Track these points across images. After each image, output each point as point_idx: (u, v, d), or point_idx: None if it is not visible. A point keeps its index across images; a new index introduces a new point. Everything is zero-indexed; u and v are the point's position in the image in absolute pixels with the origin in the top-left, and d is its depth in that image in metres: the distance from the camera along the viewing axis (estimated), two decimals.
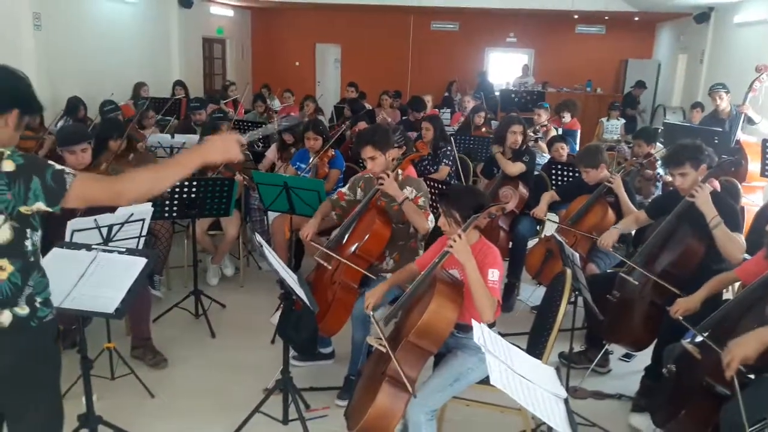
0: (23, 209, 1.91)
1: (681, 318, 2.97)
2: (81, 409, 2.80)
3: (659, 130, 7.51)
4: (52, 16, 8.28)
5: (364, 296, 3.23)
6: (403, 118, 8.51)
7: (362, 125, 6.35)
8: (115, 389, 3.51)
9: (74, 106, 7.05)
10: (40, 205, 1.93)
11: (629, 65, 13.43)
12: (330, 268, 3.52)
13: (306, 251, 5.00)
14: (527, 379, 2.03)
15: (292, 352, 3.51)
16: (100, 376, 3.45)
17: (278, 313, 4.30)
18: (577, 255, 3.20)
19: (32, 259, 2.00)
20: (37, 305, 2.03)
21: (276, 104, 9.89)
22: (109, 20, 9.78)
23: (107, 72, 9.41)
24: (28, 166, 1.90)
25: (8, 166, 1.86)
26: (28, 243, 1.97)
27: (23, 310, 1.98)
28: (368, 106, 9.22)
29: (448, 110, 10.00)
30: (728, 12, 9.06)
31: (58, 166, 1.96)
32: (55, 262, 2.60)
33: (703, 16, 9.91)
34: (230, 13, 13.95)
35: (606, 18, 13.03)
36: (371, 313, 2.97)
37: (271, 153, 5.83)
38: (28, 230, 1.97)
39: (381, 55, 14.62)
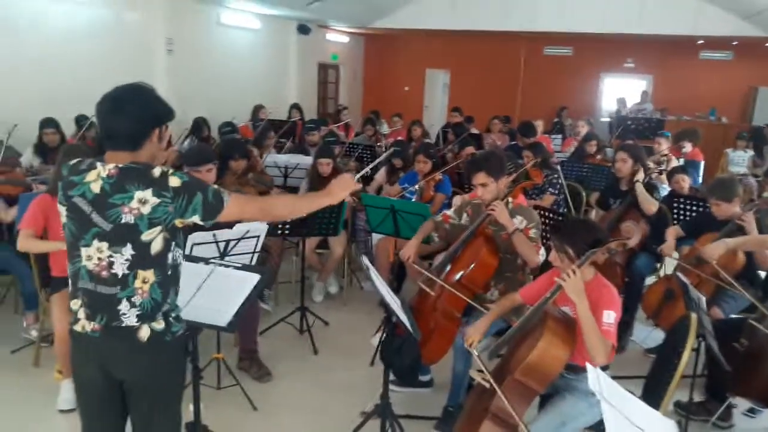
0: (178, 221, 2.04)
1: None
2: (188, 417, 2.91)
3: None
4: (182, 41, 8.95)
5: (467, 326, 3.17)
6: (512, 143, 8.37)
7: (470, 150, 6.32)
8: (220, 399, 3.63)
9: (199, 126, 7.52)
10: (195, 219, 2.06)
11: (759, 93, 12.49)
12: (433, 294, 3.48)
13: (408, 275, 5.00)
14: None
15: (390, 377, 3.49)
16: (207, 385, 3.58)
17: (378, 335, 4.34)
18: (704, 299, 2.96)
19: (170, 272, 2.11)
20: (171, 320, 2.14)
21: (384, 128, 10.06)
22: (233, 45, 10.40)
23: (229, 94, 9.99)
24: (193, 182, 2.05)
25: (175, 182, 2.00)
26: (170, 256, 2.09)
27: (159, 324, 2.10)
28: (475, 131, 9.16)
29: (559, 136, 9.74)
30: None
31: (215, 186, 2.10)
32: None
33: None
34: (345, 39, 14.42)
35: (734, 43, 12.23)
36: (476, 352, 2.89)
37: (380, 176, 5.92)
38: (173, 243, 2.09)
39: (490, 80, 14.52)
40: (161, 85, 8.49)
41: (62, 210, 2.09)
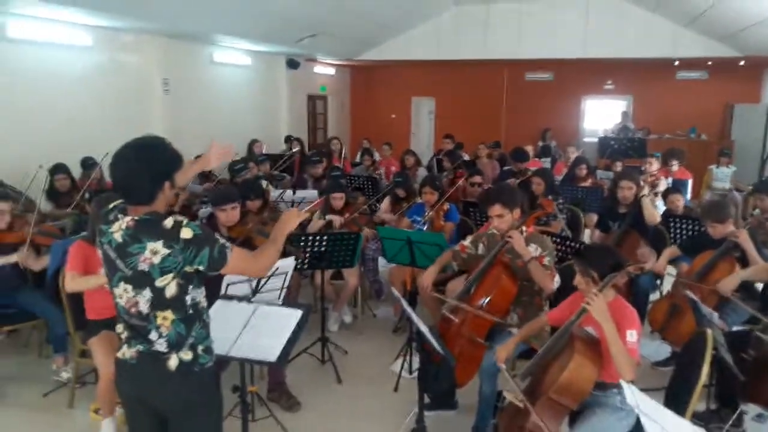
0: (188, 269, 2.21)
1: None
2: None
3: None
4: (178, 81, 9.14)
5: (494, 349, 3.36)
6: (504, 168, 8.63)
7: (478, 179, 6.56)
8: (255, 431, 3.75)
9: None
10: (200, 268, 2.22)
11: (736, 110, 12.96)
12: (457, 321, 3.66)
13: (420, 301, 5.16)
14: None
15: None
16: (239, 417, 3.69)
17: (398, 361, 4.50)
18: (716, 314, 3.18)
19: (191, 311, 2.27)
20: (199, 352, 2.30)
21: (376, 156, 10.27)
22: (226, 82, 10.63)
23: (225, 130, 10.18)
24: (204, 236, 2.20)
25: (187, 233, 2.16)
26: (188, 298, 2.26)
27: (187, 355, 2.27)
28: (466, 156, 9.42)
29: (548, 159, 10.04)
30: None
31: (222, 240, 2.26)
32: (220, 313, 2.90)
33: None
34: (332, 71, 14.72)
35: (709, 63, 12.72)
36: (503, 366, 3.08)
37: (385, 206, 6.11)
38: (190, 287, 2.26)
39: (474, 106, 14.88)
40: (159, 125, 8.70)
41: (99, 254, 2.31)
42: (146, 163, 2.19)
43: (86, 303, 3.75)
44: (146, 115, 8.69)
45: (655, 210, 4.83)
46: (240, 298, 3.08)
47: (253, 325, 2.90)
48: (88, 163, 6.72)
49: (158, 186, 2.22)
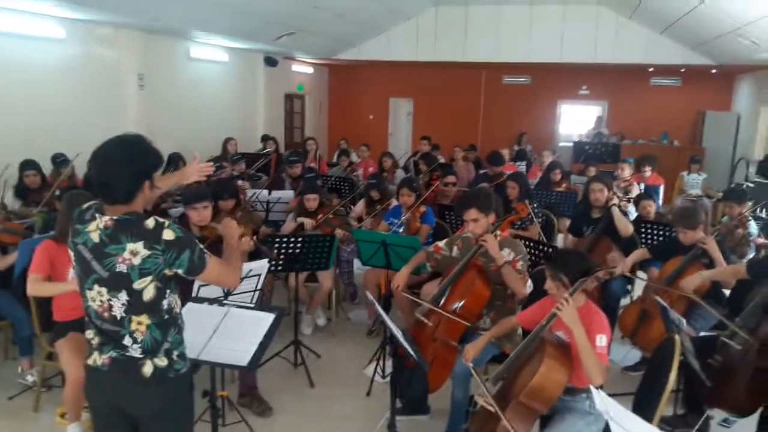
0: (167, 271, 2.17)
1: None
2: None
3: (745, 187, 7.41)
4: (154, 76, 9.01)
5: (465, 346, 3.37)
6: (481, 171, 8.68)
7: (452, 179, 6.58)
8: None
9: (174, 161, 7.57)
10: (179, 272, 2.20)
11: (707, 117, 13.22)
12: (430, 324, 3.66)
13: (395, 305, 5.15)
14: None
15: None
16: (211, 422, 3.65)
17: (371, 365, 4.49)
18: (684, 320, 3.23)
19: (167, 316, 2.24)
20: (175, 358, 2.27)
21: (353, 157, 10.24)
22: (202, 79, 10.51)
23: (200, 127, 10.08)
24: (185, 239, 2.17)
25: (168, 235, 2.13)
26: (165, 302, 2.22)
27: (162, 361, 2.23)
28: (441, 159, 9.45)
29: (524, 163, 10.12)
30: None
31: (201, 246, 2.24)
32: (191, 316, 2.86)
33: None
34: (310, 70, 14.65)
35: (682, 70, 12.94)
36: (471, 365, 3.10)
37: (359, 207, 6.10)
38: (167, 291, 2.23)
39: (452, 108, 14.95)
40: (133, 121, 8.57)
41: (71, 254, 2.24)
42: (127, 161, 2.15)
43: (53, 304, 3.67)
44: (120, 110, 8.54)
45: (626, 220, 4.88)
46: (211, 301, 3.04)
47: (224, 329, 2.86)
48: (58, 160, 6.58)
49: (138, 185, 2.17)
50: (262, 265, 3.62)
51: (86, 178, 5.62)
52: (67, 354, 3.48)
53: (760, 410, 3.38)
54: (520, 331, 3.78)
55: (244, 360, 2.73)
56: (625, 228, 4.84)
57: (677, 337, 2.93)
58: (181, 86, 9.89)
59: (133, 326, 2.17)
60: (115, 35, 8.33)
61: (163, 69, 9.38)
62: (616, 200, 4.99)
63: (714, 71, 12.21)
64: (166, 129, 8.84)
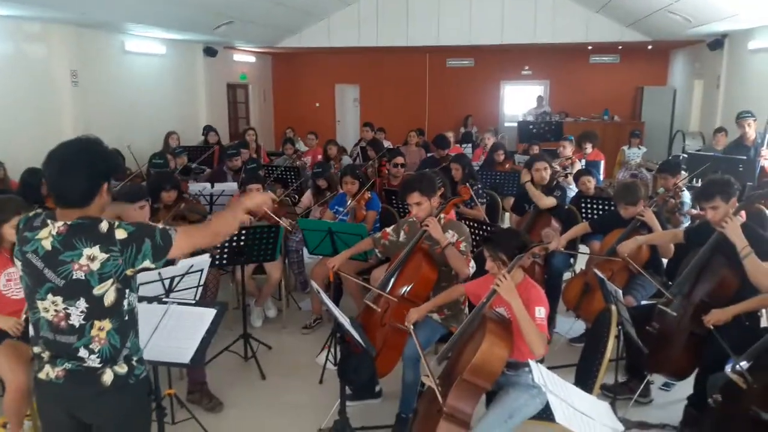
0: (129, 271, 2.10)
1: (721, 342, 3.06)
2: None
3: (680, 159, 7.67)
4: (87, 72, 8.71)
5: (413, 336, 3.40)
6: (428, 155, 8.72)
7: (400, 159, 6.60)
8: None
9: None
10: (147, 264, 2.11)
11: (645, 92, 13.61)
12: (379, 310, 3.68)
13: (345, 292, 5.16)
14: (587, 416, 2.16)
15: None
16: (157, 421, 3.60)
17: (323, 353, 4.49)
18: (620, 291, 3.33)
19: (127, 318, 2.18)
20: (134, 363, 2.21)
21: (300, 146, 10.16)
22: (140, 72, 10.21)
23: (140, 122, 9.81)
24: (139, 231, 2.09)
25: (121, 234, 2.06)
26: (125, 303, 2.16)
27: (122, 368, 2.17)
28: (389, 144, 9.45)
29: (469, 145, 10.22)
30: (742, 39, 9.23)
31: (161, 225, 2.17)
32: None
33: (716, 43, 10.08)
34: (252, 59, 14.41)
35: (620, 47, 13.27)
36: (411, 327, 3.15)
37: (307, 198, 6.05)
38: (127, 291, 2.16)
39: (398, 93, 14.98)
40: (68, 120, 8.29)
41: (18, 264, 2.14)
42: (83, 165, 2.07)
43: None
44: (54, 109, 8.23)
45: (539, 193, 5.08)
46: (150, 299, 2.97)
47: (164, 327, 2.81)
48: None
49: (96, 188, 2.10)
50: (203, 260, 3.55)
51: (22, 181, 5.40)
52: (4, 362, 3.35)
53: (695, 372, 3.53)
54: (466, 310, 3.84)
55: (186, 357, 2.69)
56: (543, 202, 4.99)
57: (614, 308, 3.03)
58: (117, 81, 9.58)
59: (94, 332, 2.09)
60: (45, 31, 8.00)
61: (98, 64, 9.07)
62: (526, 177, 5.19)
63: (650, 47, 12.55)
64: (103, 126, 8.55)
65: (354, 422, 3.62)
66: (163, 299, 2.95)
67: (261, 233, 4.47)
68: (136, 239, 2.08)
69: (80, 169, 2.06)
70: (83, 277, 2.03)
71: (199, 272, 3.58)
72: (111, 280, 2.07)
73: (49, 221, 2.07)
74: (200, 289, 3.64)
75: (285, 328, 5.28)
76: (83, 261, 2.02)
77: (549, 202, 5.00)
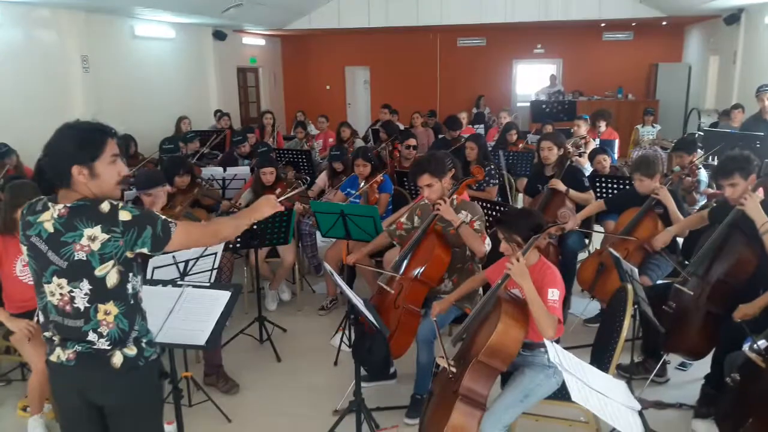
0: (129, 254, 2.11)
1: (740, 321, 3.03)
2: None
3: (696, 137, 7.55)
4: (98, 58, 8.72)
5: (428, 318, 3.40)
6: (439, 136, 8.66)
7: (412, 141, 6.56)
8: (194, 416, 3.68)
9: (125, 143, 7.35)
10: (144, 251, 2.13)
11: (660, 69, 13.40)
12: (393, 292, 3.67)
13: (358, 275, 5.16)
14: (604, 395, 2.14)
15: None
16: (174, 404, 3.63)
17: (338, 336, 4.51)
18: (636, 270, 3.30)
19: (133, 302, 2.19)
20: (143, 345, 2.22)
21: (311, 129, 10.12)
22: (150, 57, 10.20)
23: (151, 107, 9.82)
24: (143, 216, 2.10)
25: (125, 216, 2.06)
26: (129, 286, 2.17)
27: (132, 351, 2.18)
28: (401, 126, 9.40)
29: (482, 125, 10.14)
30: (759, 13, 9.04)
31: (164, 217, 2.17)
32: (147, 298, 2.81)
33: (732, 17, 9.88)
34: (262, 42, 14.35)
35: (633, 24, 13.06)
36: (435, 319, 3.14)
37: (321, 180, 6.04)
38: (130, 274, 2.17)
39: (409, 74, 14.86)
40: (80, 106, 8.31)
41: (24, 249, 2.16)
42: (52, 148, 2.09)
43: (3, 297, 3.57)
44: (66, 95, 8.26)
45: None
46: (165, 282, 2.99)
47: (180, 309, 2.82)
48: (1, 151, 6.34)
49: (64, 171, 2.07)
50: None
51: (37, 167, 5.44)
52: (28, 345, 3.39)
53: (712, 352, 3.50)
54: (481, 291, 3.82)
55: (201, 339, 2.70)
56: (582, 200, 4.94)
57: (629, 287, 3.00)
58: (127, 66, 9.59)
59: (100, 316, 2.11)
60: (55, 16, 8.01)
61: (108, 49, 9.08)
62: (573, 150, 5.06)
63: (664, 23, 12.34)
64: (115, 111, 8.59)
65: (369, 403, 3.63)
66: (179, 282, 2.96)
67: (274, 217, 4.44)
68: (140, 224, 2.08)
69: (49, 153, 2.10)
70: (85, 258, 2.05)
71: (213, 255, 3.60)
72: (112, 262, 2.08)
73: (50, 204, 2.09)
74: (215, 272, 3.67)
75: (299, 311, 5.30)
76: (84, 241, 2.03)
77: (591, 196, 4.94)
